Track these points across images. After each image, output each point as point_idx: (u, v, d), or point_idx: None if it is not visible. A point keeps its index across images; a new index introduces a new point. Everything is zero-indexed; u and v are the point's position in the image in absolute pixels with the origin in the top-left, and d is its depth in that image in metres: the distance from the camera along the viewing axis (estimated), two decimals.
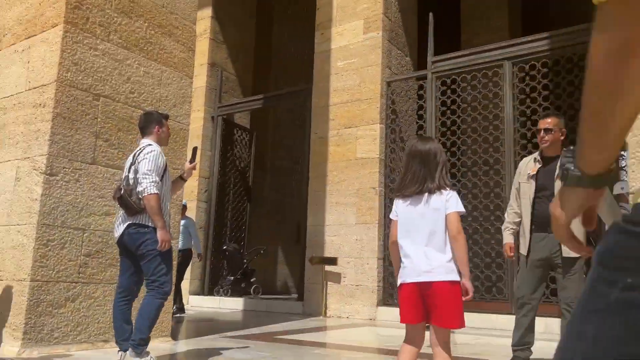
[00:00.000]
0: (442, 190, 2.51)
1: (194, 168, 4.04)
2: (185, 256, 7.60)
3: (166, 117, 3.95)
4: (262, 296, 10.99)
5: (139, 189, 3.54)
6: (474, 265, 7.69)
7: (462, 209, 2.51)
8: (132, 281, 3.65)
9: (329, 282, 8.58)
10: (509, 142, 7.50)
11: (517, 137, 7.51)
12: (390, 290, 8.22)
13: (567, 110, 7.31)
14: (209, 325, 7.01)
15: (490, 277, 7.50)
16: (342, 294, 8.39)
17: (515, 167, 7.49)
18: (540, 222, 3.66)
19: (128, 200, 3.54)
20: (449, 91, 8.26)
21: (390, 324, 7.54)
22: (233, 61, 11.70)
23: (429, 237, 2.48)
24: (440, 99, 8.28)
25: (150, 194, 3.50)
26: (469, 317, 7.51)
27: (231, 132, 11.45)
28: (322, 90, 9.33)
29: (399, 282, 2.55)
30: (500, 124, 7.66)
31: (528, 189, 3.72)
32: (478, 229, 7.70)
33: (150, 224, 3.57)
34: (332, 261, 8.45)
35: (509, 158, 7.45)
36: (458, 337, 6.12)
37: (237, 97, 11.56)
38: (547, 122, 3.78)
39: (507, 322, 6.85)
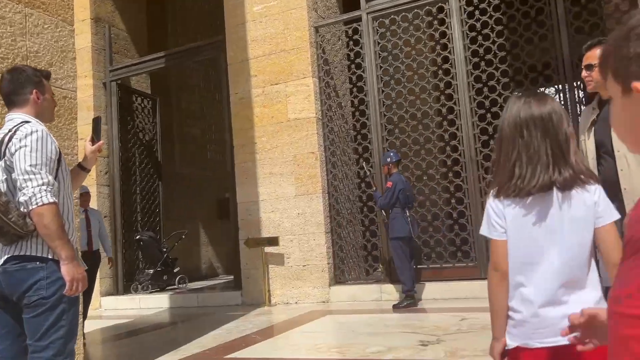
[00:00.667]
0: (586, 184, 1.42)
1: (99, 149, 2.63)
2: (94, 259, 5.99)
3: (47, 75, 2.47)
4: (191, 285, 9.62)
5: (22, 198, 2.13)
6: (435, 229, 6.88)
7: (617, 215, 1.44)
8: (15, 351, 2.24)
9: (270, 266, 7.41)
10: (462, 87, 6.62)
11: (471, 80, 6.64)
12: (341, 266, 7.24)
13: (525, 46, 6.53)
14: (127, 350, 5.61)
15: (453, 240, 6.72)
16: (288, 277, 7.28)
17: (472, 116, 6.70)
18: (606, 187, 2.72)
19: (2, 221, 2.11)
20: (388, 33, 7.18)
21: (346, 305, 6.58)
22: (122, 14, 9.76)
23: (569, 270, 1.40)
24: (379, 43, 7.19)
25: (43, 204, 2.11)
26: (432, 287, 6.79)
27: (129, 100, 9.65)
28: (237, 41, 7.87)
29: (509, 343, 1.45)
30: (451, 68, 6.75)
31: (588, 147, 2.75)
32: (436, 188, 6.85)
33: (46, 254, 2.19)
34: (272, 241, 7.27)
35: (464, 105, 6.59)
36: (435, 318, 5.29)
37: (132, 58, 9.71)
38: (589, 57, 2.76)
39: (479, 288, 6.14)
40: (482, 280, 6.30)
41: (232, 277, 10.91)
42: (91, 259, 5.61)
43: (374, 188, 6.30)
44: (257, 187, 7.57)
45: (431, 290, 6.45)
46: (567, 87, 6.15)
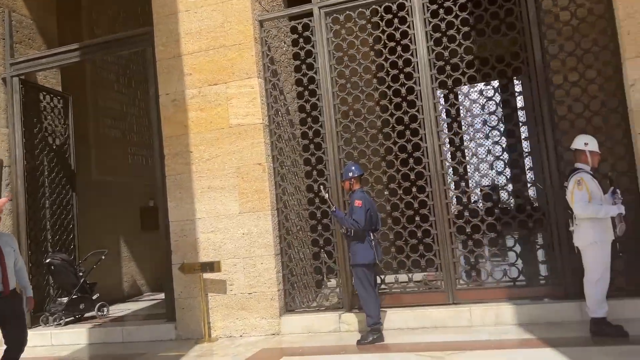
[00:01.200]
0: None
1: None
2: (14, 304, 4.48)
3: None
4: (114, 310, 8.40)
5: None
6: (398, 250, 6.23)
7: None
8: None
9: (210, 294, 6.45)
10: (425, 93, 6.01)
11: (435, 86, 6.05)
12: (293, 292, 6.42)
13: (495, 50, 6.02)
14: None
15: (418, 262, 6.10)
16: (231, 307, 6.35)
17: (437, 126, 6.09)
18: None
19: None
20: (343, 31, 6.43)
21: (301, 339, 5.78)
22: None
23: None
24: (333, 42, 6.42)
25: None
26: (395, 315, 6.11)
27: (35, 98, 8.22)
28: (168, 34, 6.80)
29: None
30: (414, 72, 6.11)
31: None
32: (398, 204, 6.19)
33: None
34: (212, 266, 6.31)
35: (428, 113, 5.97)
36: None
37: (39, 50, 8.29)
38: None
39: (447, 316, 5.58)
40: (450, 306, 5.75)
41: (159, 295, 9.81)
42: (11, 304, 4.35)
43: (333, 207, 5.51)
44: (194, 204, 6.57)
45: (394, 319, 5.80)
46: (538, 91, 5.69)
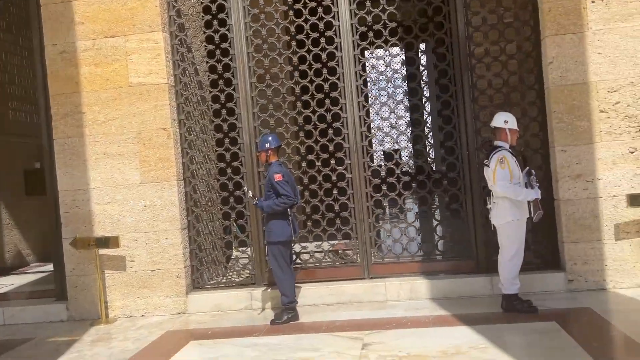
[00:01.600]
0: None
1: None
2: None
3: None
4: None
5: None
6: (314, 224, 5.98)
7: None
8: None
9: (107, 271, 5.84)
10: (347, 60, 5.69)
11: (357, 53, 5.73)
12: (201, 268, 5.99)
13: (419, 19, 5.79)
14: None
15: (334, 235, 5.89)
16: (131, 285, 5.80)
17: (358, 96, 5.81)
18: None
19: None
20: None
21: (209, 319, 5.43)
22: None
23: None
24: None
25: None
26: (310, 291, 5.89)
27: None
28: None
29: None
30: (335, 36, 5.74)
31: None
32: (316, 176, 5.90)
33: None
34: (110, 241, 5.69)
35: (349, 82, 5.67)
36: (330, 342, 4.46)
37: None
38: None
39: (363, 291, 5.48)
40: (366, 280, 5.65)
41: (47, 266, 8.90)
42: None
43: (255, 200, 5.10)
44: (88, 171, 5.84)
45: (309, 295, 5.59)
46: (460, 63, 5.58)
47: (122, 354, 4.61)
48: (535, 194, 4.55)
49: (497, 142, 4.77)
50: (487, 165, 4.67)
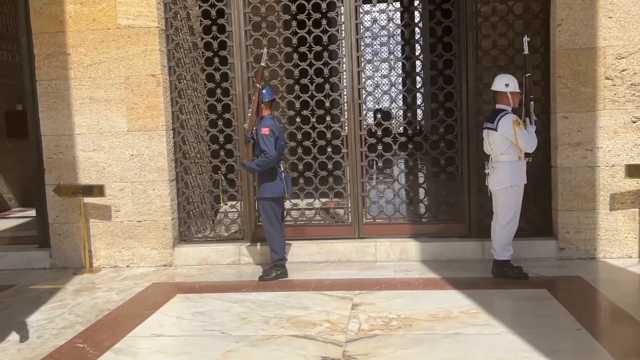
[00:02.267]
0: None
1: None
2: None
3: None
4: None
5: None
6: (306, 181, 5.85)
7: None
8: None
9: (92, 220, 5.69)
10: (348, 8, 5.43)
11: (358, 4, 5.46)
12: (188, 221, 5.87)
13: None
14: None
15: (326, 193, 5.78)
16: (117, 235, 5.68)
17: (358, 50, 5.58)
18: None
19: None
20: None
21: (197, 272, 5.35)
22: None
23: None
24: None
25: None
26: (299, 248, 5.84)
27: None
28: None
29: None
30: None
31: None
32: (310, 133, 5.72)
33: None
34: (95, 190, 5.52)
35: (349, 36, 5.43)
36: (319, 301, 4.42)
37: None
38: None
39: (353, 249, 5.42)
40: (356, 240, 5.58)
41: (30, 211, 8.72)
42: None
43: (243, 160, 4.91)
44: (72, 116, 5.60)
45: (298, 252, 5.53)
46: (466, 21, 5.36)
47: (106, 304, 4.52)
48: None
49: (499, 106, 4.62)
50: (494, 129, 4.52)
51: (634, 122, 4.99)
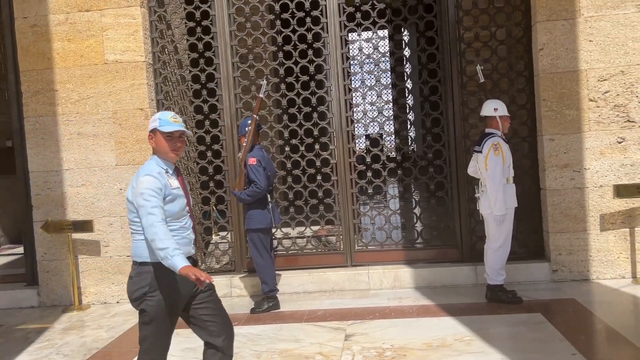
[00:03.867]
0: None
1: None
2: None
3: None
4: None
5: None
6: (297, 210, 5.82)
7: None
8: None
9: (81, 256, 5.63)
10: (333, 44, 5.51)
11: (344, 34, 5.54)
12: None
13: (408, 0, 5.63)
14: None
15: (317, 222, 5.76)
16: (106, 271, 5.60)
17: (344, 79, 5.63)
18: None
19: None
20: None
21: None
22: None
23: None
24: None
25: None
26: (291, 278, 5.78)
27: None
28: None
29: None
30: (322, 16, 5.54)
31: None
32: (299, 161, 5.73)
33: None
34: (84, 225, 5.47)
35: (335, 65, 5.50)
36: (312, 333, 4.35)
37: None
38: None
39: (346, 278, 5.37)
40: (349, 268, 5.54)
41: (19, 248, 8.61)
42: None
43: (235, 189, 4.89)
44: (60, 152, 5.58)
45: (291, 282, 5.47)
46: (450, 48, 5.44)
47: (95, 343, 4.43)
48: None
49: (488, 130, 4.65)
50: (480, 152, 4.55)
51: (619, 143, 5.03)
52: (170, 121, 2.63)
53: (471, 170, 4.85)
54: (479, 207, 4.68)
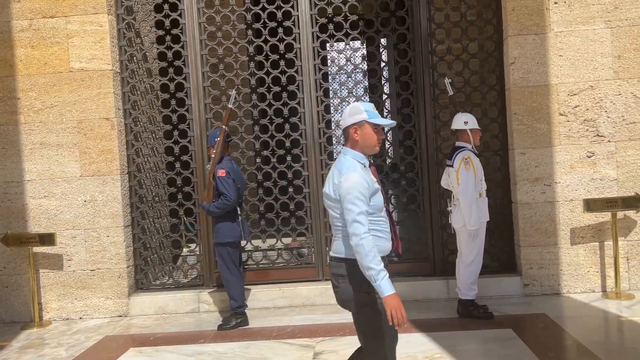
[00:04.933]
0: None
1: None
2: None
3: None
4: None
5: None
6: (268, 223, 5.71)
7: None
8: None
9: (42, 271, 5.41)
10: (306, 53, 5.44)
11: (316, 46, 5.49)
12: (145, 268, 5.63)
13: (381, 12, 5.60)
14: None
15: (289, 234, 5.65)
16: (69, 286, 5.40)
17: (317, 90, 5.56)
18: None
19: None
20: None
21: (153, 323, 5.10)
22: None
23: None
24: None
25: None
26: (260, 293, 5.65)
27: None
28: None
29: None
30: (294, 27, 5.48)
31: None
32: (271, 173, 5.63)
33: None
34: (46, 239, 5.27)
35: (307, 75, 5.43)
36: (279, 351, 4.24)
37: None
38: None
39: (317, 292, 5.28)
40: (320, 282, 5.44)
41: None
42: None
43: (204, 202, 4.76)
44: (22, 162, 5.38)
45: (260, 297, 5.34)
46: (422, 61, 5.43)
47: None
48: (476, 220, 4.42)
49: (458, 143, 4.63)
50: (451, 166, 4.52)
51: (589, 157, 5.06)
52: (375, 112, 2.52)
53: (444, 183, 4.82)
54: (451, 221, 4.64)
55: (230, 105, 4.82)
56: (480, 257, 4.57)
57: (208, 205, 4.68)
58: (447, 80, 4.88)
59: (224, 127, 4.71)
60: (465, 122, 4.60)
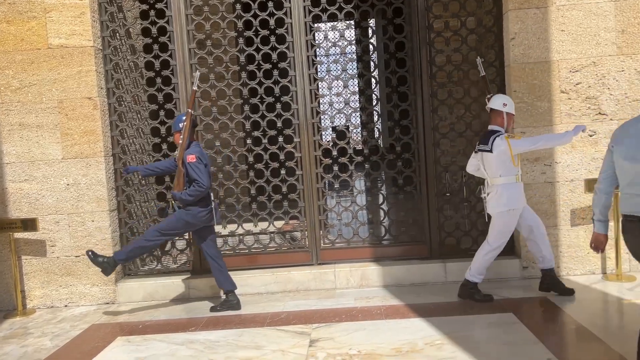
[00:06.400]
0: None
1: None
2: None
3: None
4: None
5: None
6: (260, 206, 5.52)
7: None
8: None
9: (24, 257, 5.19)
10: (297, 25, 5.20)
11: (308, 20, 5.25)
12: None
13: None
14: None
15: (281, 218, 5.46)
16: (53, 273, 5.19)
17: (309, 68, 5.35)
18: None
19: None
20: None
21: (142, 310, 4.92)
22: None
23: None
24: None
25: None
26: (252, 278, 5.47)
27: None
28: None
29: None
30: (285, 1, 5.22)
31: None
32: (262, 155, 5.42)
33: None
34: (27, 224, 5.04)
35: (299, 51, 5.20)
36: (273, 338, 4.09)
37: None
38: None
39: (311, 277, 5.13)
40: (314, 267, 5.29)
41: None
42: None
43: (174, 191, 4.53)
44: (0, 144, 5.12)
45: (253, 282, 5.17)
46: (419, 37, 5.22)
47: (36, 353, 4.05)
48: (573, 132, 4.19)
49: (492, 127, 4.41)
50: (488, 151, 4.30)
51: (590, 136, 4.91)
52: None
53: (472, 169, 4.59)
54: (486, 207, 4.46)
55: (194, 88, 4.61)
56: (504, 244, 4.44)
57: (180, 193, 4.45)
58: (478, 60, 4.66)
59: (189, 110, 4.49)
60: (504, 104, 4.38)
